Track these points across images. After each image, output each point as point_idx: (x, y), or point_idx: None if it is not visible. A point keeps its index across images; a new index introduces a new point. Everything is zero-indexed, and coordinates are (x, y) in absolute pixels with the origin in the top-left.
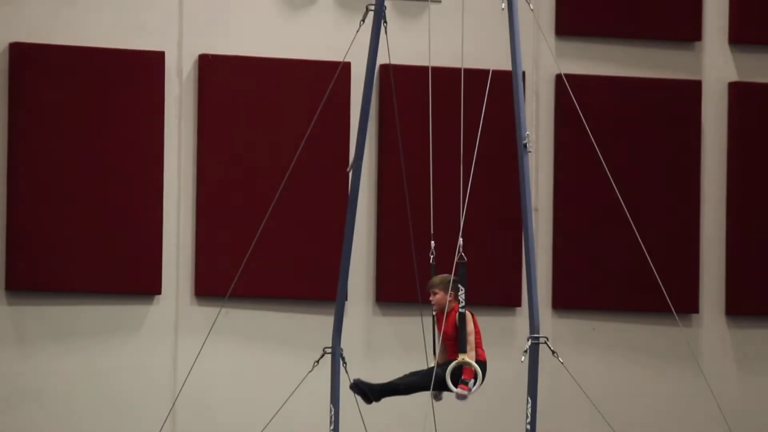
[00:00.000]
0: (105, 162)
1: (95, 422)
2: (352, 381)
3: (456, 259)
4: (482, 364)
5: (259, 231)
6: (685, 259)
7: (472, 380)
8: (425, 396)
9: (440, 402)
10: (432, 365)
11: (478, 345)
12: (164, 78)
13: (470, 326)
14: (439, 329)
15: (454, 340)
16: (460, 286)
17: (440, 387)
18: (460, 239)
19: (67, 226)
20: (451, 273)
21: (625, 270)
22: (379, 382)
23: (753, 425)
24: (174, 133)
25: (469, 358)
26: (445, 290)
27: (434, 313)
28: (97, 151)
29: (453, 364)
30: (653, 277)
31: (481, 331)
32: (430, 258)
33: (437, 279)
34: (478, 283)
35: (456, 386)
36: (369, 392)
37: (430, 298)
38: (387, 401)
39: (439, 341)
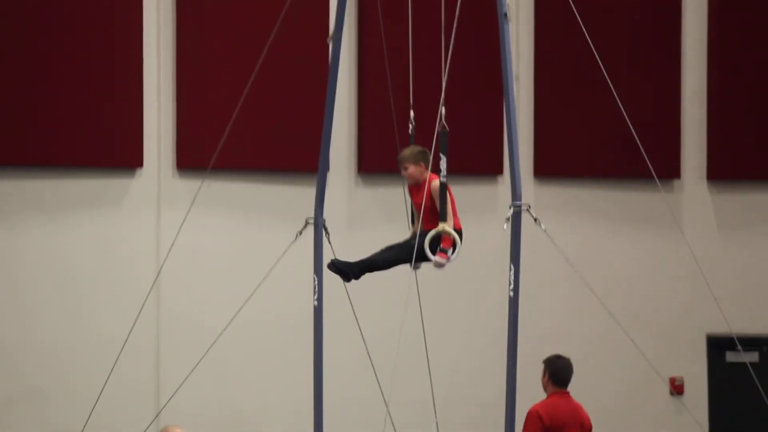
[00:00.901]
0: (84, 32)
1: (78, 297)
2: (330, 261)
3: (437, 129)
4: (458, 232)
5: (240, 102)
6: (666, 124)
7: (451, 248)
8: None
9: (423, 271)
10: (407, 238)
11: (454, 213)
12: None
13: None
14: (414, 201)
15: (428, 211)
16: (441, 155)
17: (419, 258)
18: (442, 108)
19: (48, 99)
20: (432, 142)
21: (606, 136)
22: (358, 257)
23: (734, 288)
24: (153, 3)
25: (448, 227)
26: (416, 163)
27: (407, 185)
28: (77, 21)
29: (432, 232)
30: (635, 143)
31: (464, 200)
32: (409, 128)
33: (406, 153)
34: (459, 152)
35: (434, 255)
36: (348, 270)
37: (402, 173)
38: (371, 274)
39: (418, 216)
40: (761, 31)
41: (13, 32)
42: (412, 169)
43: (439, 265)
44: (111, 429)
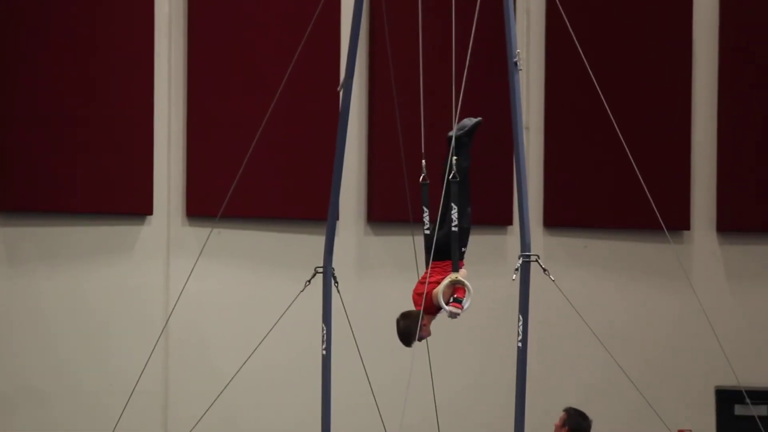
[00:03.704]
0: (94, 81)
1: (87, 343)
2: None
3: (447, 177)
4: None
5: (250, 151)
6: (676, 175)
7: (465, 299)
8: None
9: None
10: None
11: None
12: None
13: None
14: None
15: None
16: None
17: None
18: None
19: (58, 147)
20: (442, 190)
21: (616, 187)
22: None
23: (743, 341)
24: (164, 51)
25: (461, 276)
26: (423, 322)
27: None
28: (86, 69)
29: (446, 281)
30: (644, 194)
31: (474, 250)
32: (420, 178)
33: (409, 329)
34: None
35: (447, 305)
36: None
37: (426, 335)
38: (380, 323)
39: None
40: None
41: (21, 79)
42: (426, 327)
43: (454, 315)
44: None
